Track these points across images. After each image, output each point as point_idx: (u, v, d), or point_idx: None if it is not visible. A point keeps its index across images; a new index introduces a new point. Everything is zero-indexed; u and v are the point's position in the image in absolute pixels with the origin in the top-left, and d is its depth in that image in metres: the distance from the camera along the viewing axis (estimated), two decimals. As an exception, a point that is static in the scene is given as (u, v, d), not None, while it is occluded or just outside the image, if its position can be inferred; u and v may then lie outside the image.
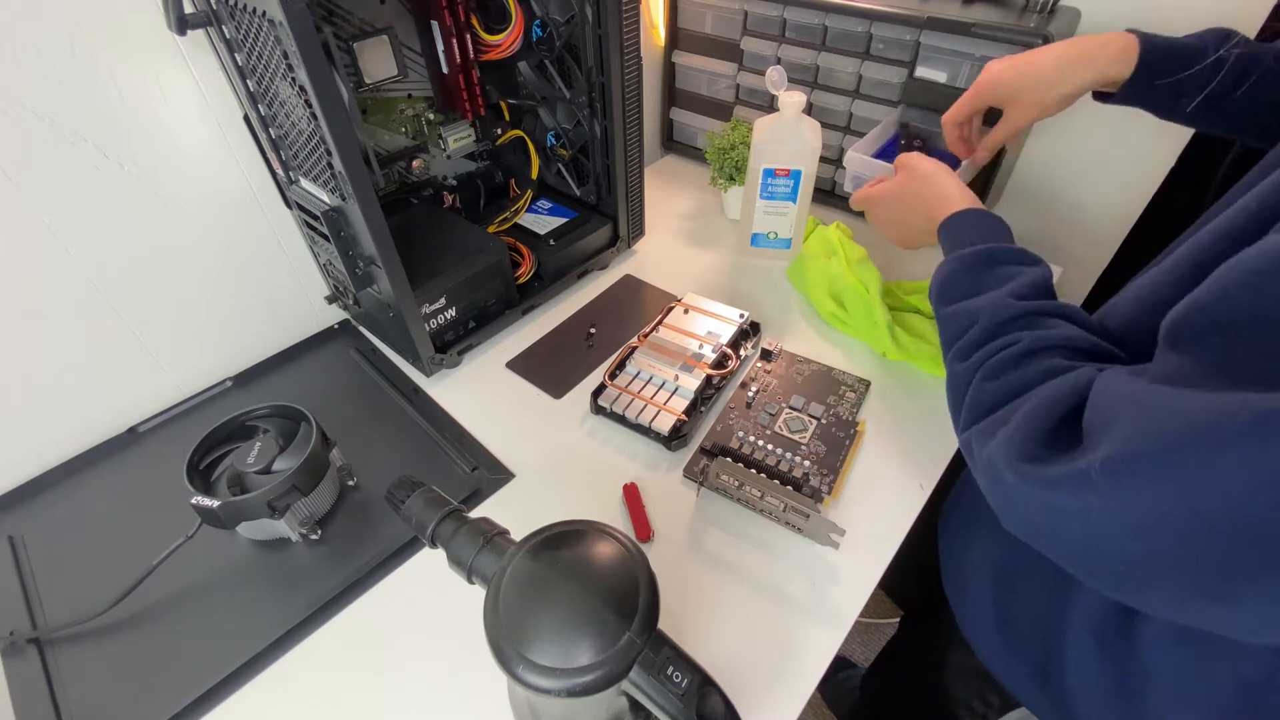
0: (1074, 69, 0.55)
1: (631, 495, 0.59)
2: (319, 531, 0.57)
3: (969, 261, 0.47)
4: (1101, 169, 0.85)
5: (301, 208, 0.63)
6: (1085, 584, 0.34)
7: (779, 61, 0.90)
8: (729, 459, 0.58)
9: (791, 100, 0.73)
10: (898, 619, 1.21)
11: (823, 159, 0.94)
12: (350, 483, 0.61)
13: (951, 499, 0.63)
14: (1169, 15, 0.72)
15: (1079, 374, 0.35)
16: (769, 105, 0.95)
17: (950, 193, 0.56)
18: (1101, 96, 0.58)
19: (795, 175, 0.77)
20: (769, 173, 0.78)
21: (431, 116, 0.77)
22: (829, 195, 0.97)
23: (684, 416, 0.62)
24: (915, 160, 0.60)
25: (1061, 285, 0.87)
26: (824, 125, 0.91)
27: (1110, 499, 0.28)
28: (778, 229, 0.84)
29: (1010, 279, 0.44)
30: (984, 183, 0.81)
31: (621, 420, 0.65)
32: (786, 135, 0.75)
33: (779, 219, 0.82)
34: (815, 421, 0.64)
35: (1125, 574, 0.30)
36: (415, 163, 0.77)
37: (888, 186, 0.63)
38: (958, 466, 0.63)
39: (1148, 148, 0.80)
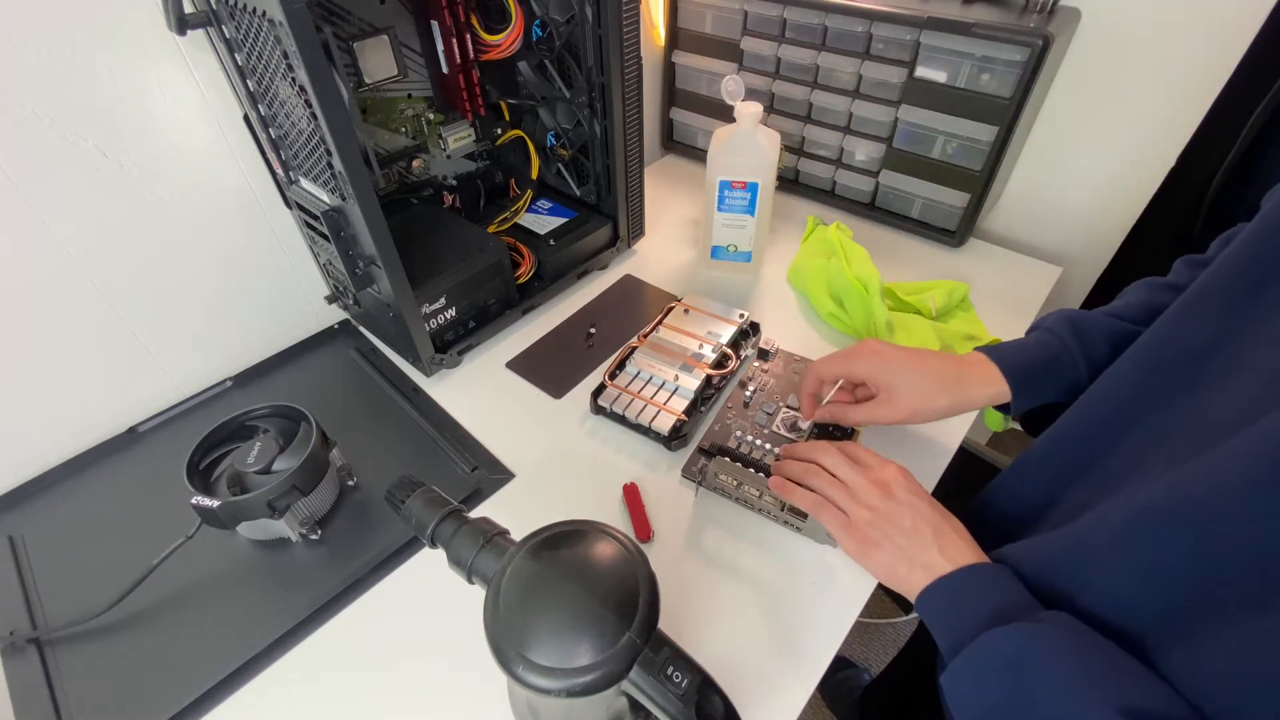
0: (956, 384, 0.52)
1: (631, 495, 0.59)
2: (319, 531, 0.57)
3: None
4: (1101, 169, 0.85)
5: (301, 208, 0.63)
6: None
7: (779, 62, 0.90)
8: (727, 459, 0.58)
9: (748, 111, 0.71)
10: (898, 619, 1.22)
11: (820, 158, 0.95)
12: (350, 483, 0.61)
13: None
14: (1169, 16, 0.73)
15: None
16: (769, 105, 0.95)
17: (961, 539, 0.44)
18: (1004, 407, 0.54)
19: (752, 188, 0.76)
20: (725, 185, 0.77)
21: (431, 116, 0.77)
22: (830, 195, 0.97)
23: (684, 416, 0.62)
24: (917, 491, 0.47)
25: (1061, 285, 0.87)
26: (824, 125, 0.91)
27: None
28: (737, 242, 0.82)
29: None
30: (983, 184, 0.81)
31: (621, 420, 0.65)
32: (742, 146, 0.73)
33: (738, 232, 0.81)
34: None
35: None
36: (415, 163, 0.77)
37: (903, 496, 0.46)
38: (956, 468, 0.63)
39: (1148, 148, 0.80)
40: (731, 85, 0.72)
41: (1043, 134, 0.86)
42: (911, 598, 0.43)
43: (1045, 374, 0.51)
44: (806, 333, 0.77)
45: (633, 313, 0.81)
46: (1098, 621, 0.35)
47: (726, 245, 0.83)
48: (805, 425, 0.63)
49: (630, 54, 0.71)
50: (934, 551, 0.42)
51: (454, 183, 0.84)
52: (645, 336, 0.71)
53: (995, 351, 0.53)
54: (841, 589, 0.53)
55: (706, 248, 0.84)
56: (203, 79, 0.60)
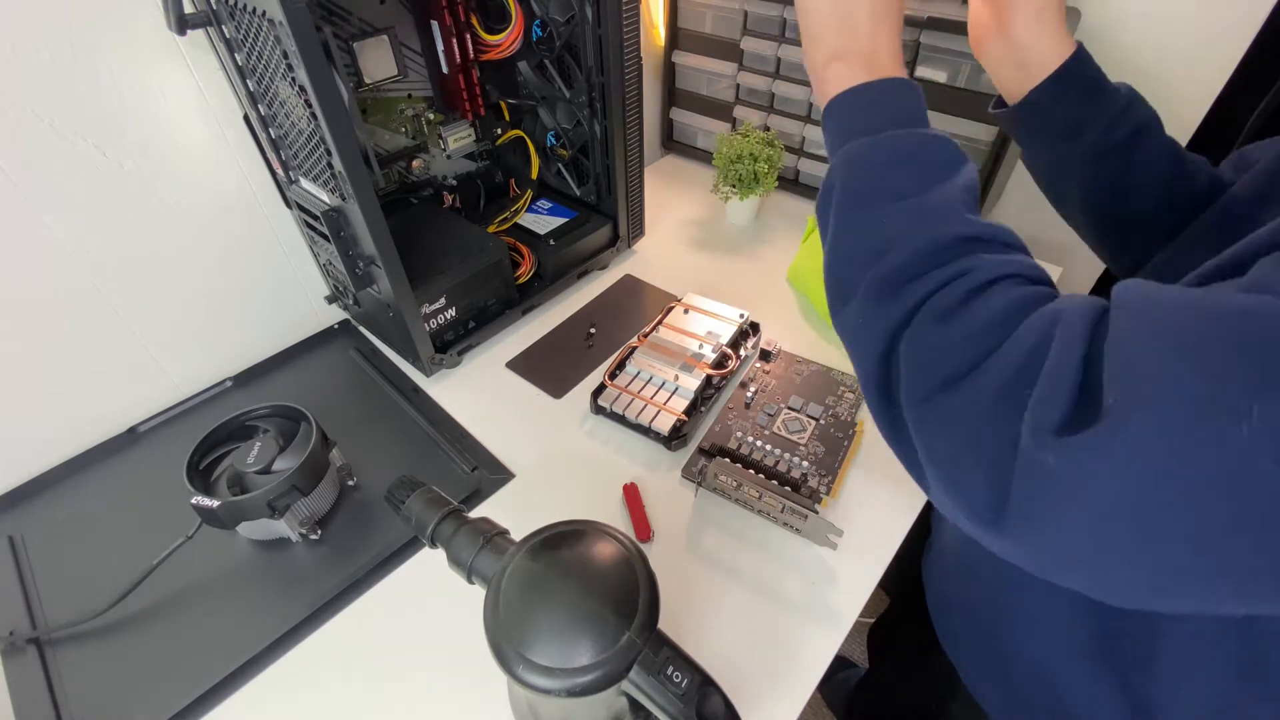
0: None
1: (631, 495, 0.59)
2: (319, 531, 0.57)
3: (899, 148, 0.35)
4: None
5: (301, 208, 0.63)
6: (1165, 610, 0.25)
7: (779, 62, 0.90)
8: (727, 459, 0.58)
9: None
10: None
11: (820, 158, 0.95)
12: (350, 483, 0.61)
13: (932, 541, 0.59)
14: (1169, 15, 0.73)
15: (1077, 303, 0.25)
16: (769, 106, 0.95)
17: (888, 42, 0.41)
18: (1001, 106, 0.52)
19: None
20: None
21: (431, 116, 0.77)
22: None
23: (684, 416, 0.62)
24: None
25: (1061, 285, 0.87)
26: (824, 125, 0.91)
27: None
28: None
29: (945, 179, 0.33)
30: (984, 181, 0.81)
31: (621, 420, 0.65)
32: None
33: None
34: (814, 422, 0.64)
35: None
36: (415, 163, 0.77)
37: None
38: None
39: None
40: None
41: (1043, 134, 0.86)
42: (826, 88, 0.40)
43: (1094, 81, 0.47)
44: (807, 333, 0.77)
45: (633, 313, 0.81)
46: None
47: None
48: (806, 426, 0.63)
49: (630, 54, 0.71)
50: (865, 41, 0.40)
51: (454, 183, 0.84)
52: (645, 336, 0.71)
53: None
54: (841, 589, 0.53)
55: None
56: (203, 79, 0.60)
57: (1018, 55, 0.49)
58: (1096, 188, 0.50)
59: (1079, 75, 0.48)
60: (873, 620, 1.22)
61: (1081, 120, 0.48)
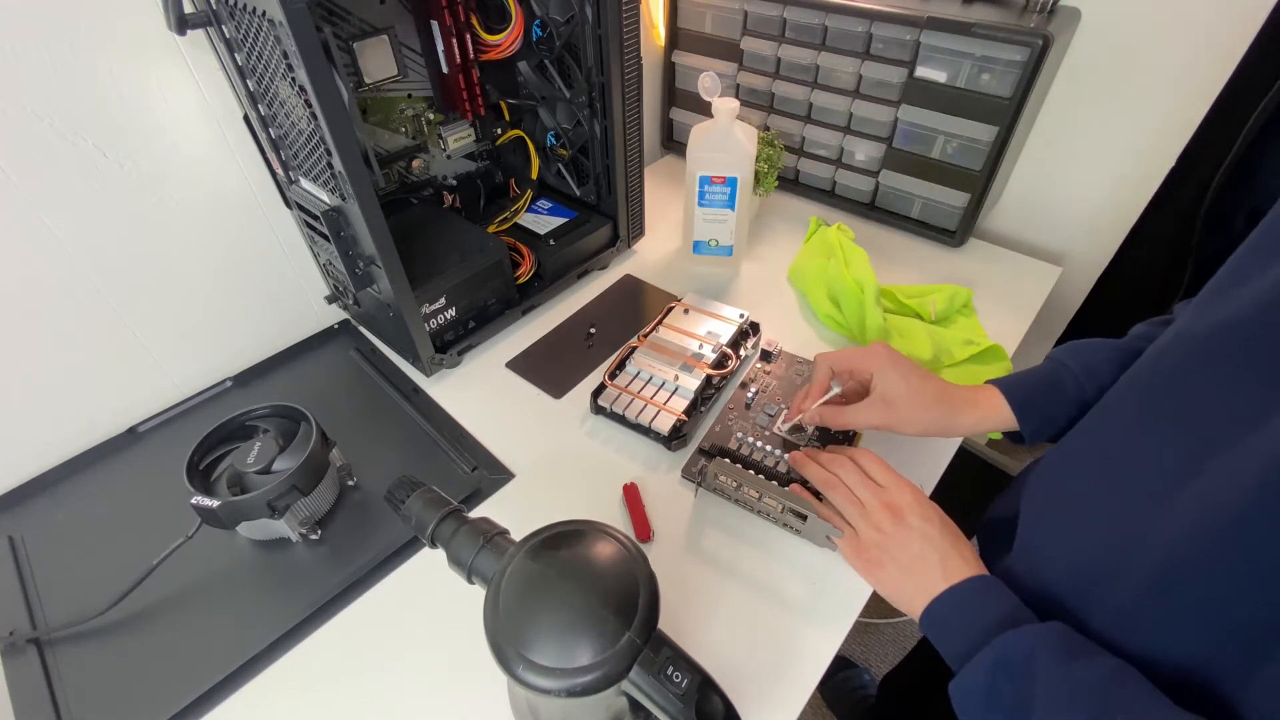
0: (951, 401, 0.52)
1: (631, 495, 0.59)
2: (319, 531, 0.57)
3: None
4: (1102, 169, 0.85)
5: (301, 208, 0.63)
6: None
7: (779, 62, 0.90)
8: (727, 460, 0.58)
9: (725, 107, 0.72)
10: (898, 619, 1.21)
11: (820, 158, 0.95)
12: (350, 483, 0.61)
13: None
14: (1169, 15, 0.73)
15: None
16: (769, 105, 0.95)
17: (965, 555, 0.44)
18: (1017, 438, 0.53)
19: (731, 183, 0.77)
20: (704, 180, 0.77)
21: (431, 116, 0.77)
22: (830, 195, 0.97)
23: (684, 416, 0.62)
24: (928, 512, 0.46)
25: (1061, 285, 0.87)
26: (824, 125, 0.92)
27: None
28: (718, 236, 0.83)
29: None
30: (983, 184, 0.81)
31: (621, 420, 0.65)
32: (720, 142, 0.75)
33: (718, 226, 0.82)
34: (815, 422, 0.64)
35: None
36: (415, 163, 0.77)
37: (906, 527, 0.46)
38: (955, 468, 0.63)
39: (1148, 148, 0.80)
40: (708, 82, 0.72)
41: (1043, 134, 0.86)
42: (914, 616, 0.43)
43: (1047, 393, 0.51)
44: (806, 333, 0.77)
45: (633, 313, 0.81)
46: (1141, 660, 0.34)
47: (708, 240, 0.83)
48: (807, 427, 0.63)
49: (630, 54, 0.71)
50: (938, 577, 0.43)
51: (454, 183, 0.84)
52: (645, 336, 0.71)
53: (1000, 380, 0.54)
54: (841, 589, 0.53)
55: (689, 243, 0.85)
56: (203, 79, 0.60)
57: (982, 424, 0.53)
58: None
59: (1030, 397, 0.51)
60: (872, 620, 1.22)
61: (1079, 400, 0.50)
